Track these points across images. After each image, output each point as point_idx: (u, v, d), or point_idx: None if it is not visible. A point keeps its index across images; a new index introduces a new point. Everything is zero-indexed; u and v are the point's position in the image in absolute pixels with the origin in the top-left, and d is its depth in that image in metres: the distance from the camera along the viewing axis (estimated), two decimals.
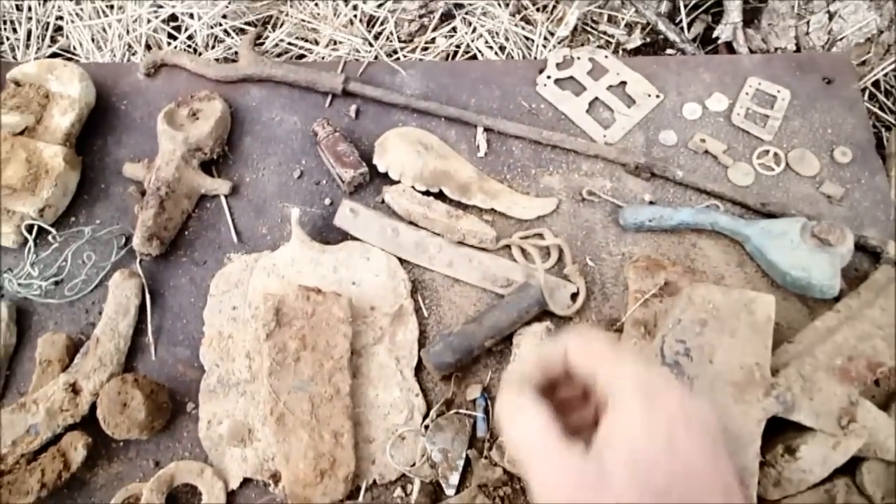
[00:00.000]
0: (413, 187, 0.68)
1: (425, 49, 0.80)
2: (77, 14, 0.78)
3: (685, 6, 0.80)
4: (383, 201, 0.69)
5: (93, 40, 0.78)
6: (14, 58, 0.81)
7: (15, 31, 0.81)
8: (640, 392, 0.34)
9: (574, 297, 0.66)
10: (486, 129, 0.73)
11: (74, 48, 0.79)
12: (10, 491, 0.55)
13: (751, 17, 0.83)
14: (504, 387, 0.38)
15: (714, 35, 0.81)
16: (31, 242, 0.62)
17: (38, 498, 0.56)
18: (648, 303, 0.64)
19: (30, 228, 0.63)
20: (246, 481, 0.60)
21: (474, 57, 0.81)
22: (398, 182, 0.69)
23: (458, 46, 0.80)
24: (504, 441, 0.44)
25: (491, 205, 0.68)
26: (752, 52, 0.81)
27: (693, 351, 0.57)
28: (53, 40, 0.80)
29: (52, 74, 0.69)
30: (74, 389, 0.59)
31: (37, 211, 0.64)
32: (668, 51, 0.83)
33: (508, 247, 0.68)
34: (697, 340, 0.57)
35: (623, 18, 0.83)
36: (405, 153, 0.68)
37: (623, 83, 0.76)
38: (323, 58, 0.79)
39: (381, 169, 0.68)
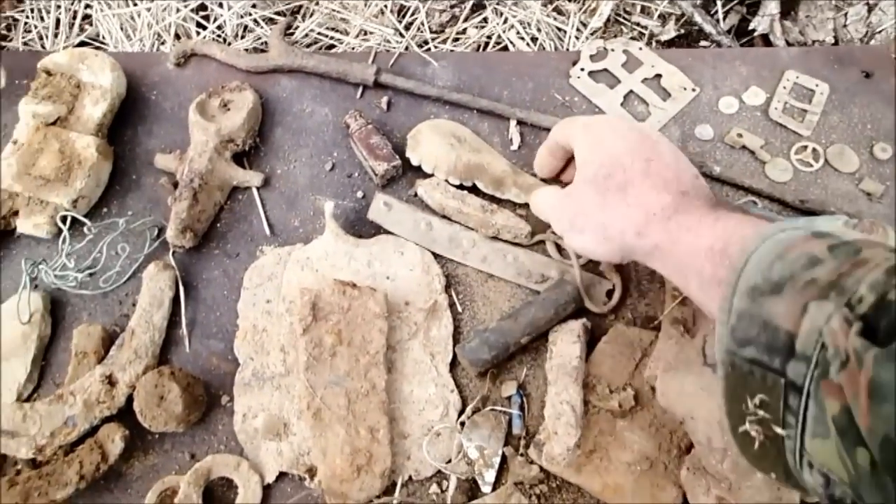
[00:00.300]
0: (446, 181, 0.67)
1: (456, 40, 0.79)
2: (106, 2, 0.77)
3: None
4: (416, 195, 0.69)
5: (121, 29, 0.77)
6: (42, 46, 0.80)
7: (42, 19, 0.80)
8: (582, 125, 0.56)
9: (610, 293, 0.65)
10: (520, 122, 0.72)
11: (103, 37, 0.79)
12: (49, 482, 0.55)
13: (788, 8, 0.81)
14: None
15: (750, 27, 0.80)
16: (66, 234, 0.61)
17: (76, 489, 0.56)
18: (686, 301, 0.63)
19: (63, 219, 0.62)
20: (281, 475, 0.60)
21: (505, 48, 0.80)
22: (431, 175, 0.68)
23: (489, 37, 0.79)
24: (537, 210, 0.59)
25: (525, 199, 0.68)
26: (789, 44, 0.80)
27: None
28: (81, 29, 0.80)
29: (83, 64, 0.68)
30: (111, 381, 0.59)
31: (70, 202, 0.64)
32: (702, 43, 0.82)
33: (543, 242, 0.67)
34: None
35: (656, 9, 0.82)
36: (438, 146, 0.67)
37: (658, 76, 0.75)
38: (353, 48, 0.78)
39: (415, 162, 0.68)
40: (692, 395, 0.56)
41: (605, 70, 0.75)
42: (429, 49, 0.78)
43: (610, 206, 0.51)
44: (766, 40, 0.81)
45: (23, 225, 0.64)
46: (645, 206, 0.50)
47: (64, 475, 0.56)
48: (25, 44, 0.80)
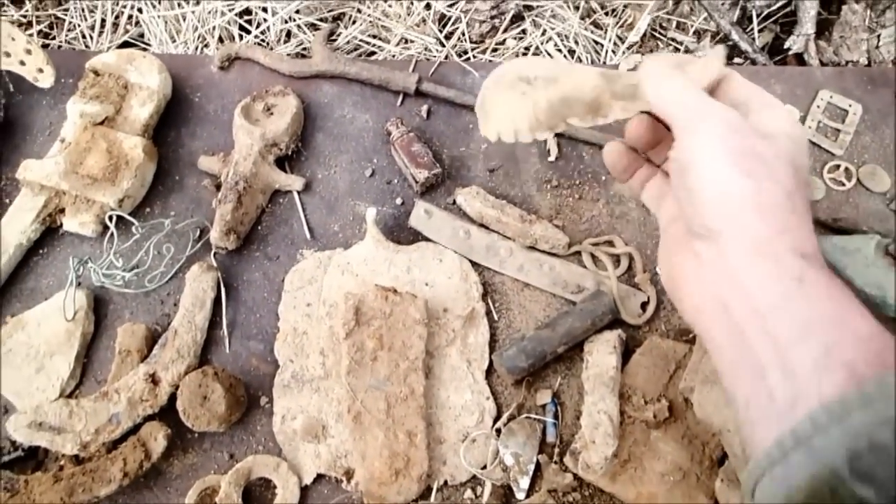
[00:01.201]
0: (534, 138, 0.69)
1: (495, 51, 0.80)
2: (153, 4, 0.79)
3: (757, 16, 0.80)
4: (454, 202, 0.70)
5: (166, 31, 0.78)
6: (85, 45, 0.82)
7: (85, 19, 0.81)
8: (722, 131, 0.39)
9: (644, 305, 0.66)
10: (557, 134, 0.73)
11: (147, 38, 0.80)
12: (93, 478, 0.56)
13: (822, 29, 0.82)
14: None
15: (786, 46, 0.81)
16: (114, 233, 0.62)
17: (119, 486, 0.56)
18: None
19: (111, 218, 0.63)
20: (319, 477, 0.60)
21: None
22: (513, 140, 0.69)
23: (527, 48, 0.80)
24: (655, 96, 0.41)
25: (633, 110, 0.48)
26: (823, 64, 0.80)
27: None
28: (125, 30, 0.81)
29: (131, 65, 0.70)
30: (154, 380, 0.60)
31: (116, 201, 0.65)
32: (736, 60, 0.83)
33: (579, 253, 0.68)
34: None
35: (692, 25, 0.83)
36: (508, 103, 0.50)
37: None
38: (394, 56, 0.79)
39: (493, 138, 0.50)
40: (728, 408, 0.56)
41: None
42: (468, 59, 0.79)
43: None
44: (799, 59, 0.82)
45: (69, 223, 0.65)
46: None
47: (108, 472, 0.57)
48: (68, 43, 0.81)
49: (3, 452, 0.60)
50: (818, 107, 0.75)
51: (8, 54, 0.68)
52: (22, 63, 0.68)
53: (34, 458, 0.60)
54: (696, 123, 0.37)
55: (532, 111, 0.47)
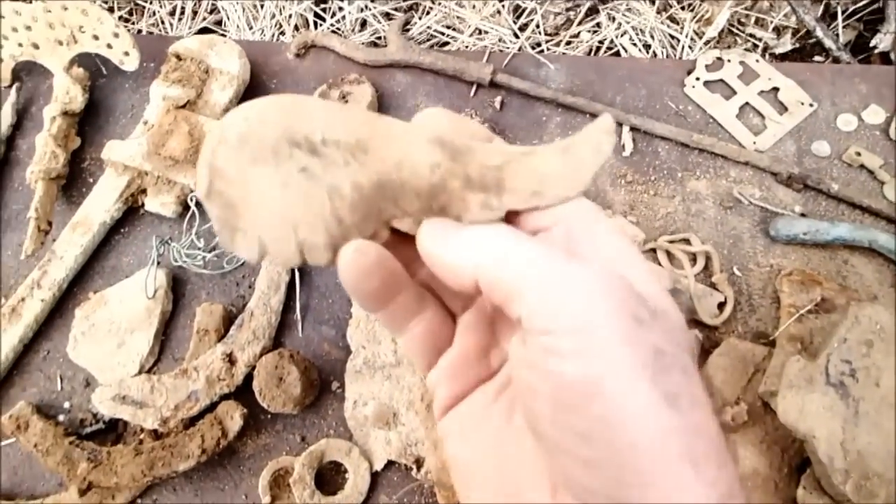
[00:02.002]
0: None
1: (568, 43, 0.79)
2: None
3: (842, 12, 0.78)
4: None
5: (244, 18, 0.80)
6: (165, 32, 0.83)
7: (163, 5, 0.83)
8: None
9: (721, 306, 0.65)
10: (633, 129, 0.72)
11: (225, 25, 0.81)
12: (173, 453, 0.57)
13: None
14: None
15: (871, 44, 0.78)
16: (196, 214, 0.64)
17: (197, 462, 0.57)
18: (803, 318, 0.62)
19: (192, 200, 0.64)
20: (389, 464, 0.61)
21: (617, 54, 0.80)
22: None
23: (601, 42, 0.79)
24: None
25: (496, 209, 0.31)
26: None
27: (859, 372, 0.56)
28: (203, 17, 0.82)
29: (212, 50, 0.71)
30: (231, 360, 0.61)
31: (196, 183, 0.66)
32: (817, 57, 0.81)
33: (654, 250, 0.67)
34: (864, 362, 0.56)
35: (772, 21, 0.81)
36: (275, 191, 0.29)
37: (775, 89, 0.74)
38: (467, 47, 0.79)
39: (251, 257, 0.30)
40: (814, 414, 0.55)
41: (721, 81, 0.74)
42: (542, 51, 0.78)
43: None
44: (884, 58, 0.79)
45: (150, 203, 0.67)
46: None
47: (186, 448, 0.58)
48: (148, 30, 0.83)
49: (85, 424, 0.61)
50: None
51: (96, 37, 0.69)
52: (109, 46, 0.70)
53: (114, 432, 0.62)
54: (589, 316, 0.23)
55: (328, 207, 0.28)
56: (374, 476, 0.60)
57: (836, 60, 0.79)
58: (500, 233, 0.26)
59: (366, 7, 0.78)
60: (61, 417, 0.62)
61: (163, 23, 0.83)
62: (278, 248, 0.28)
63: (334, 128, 0.28)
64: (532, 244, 0.26)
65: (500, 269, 0.25)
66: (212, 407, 0.60)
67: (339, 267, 0.28)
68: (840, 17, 0.79)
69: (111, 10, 0.83)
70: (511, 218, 0.29)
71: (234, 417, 0.59)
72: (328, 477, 0.61)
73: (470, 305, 0.32)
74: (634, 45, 0.78)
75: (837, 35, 0.80)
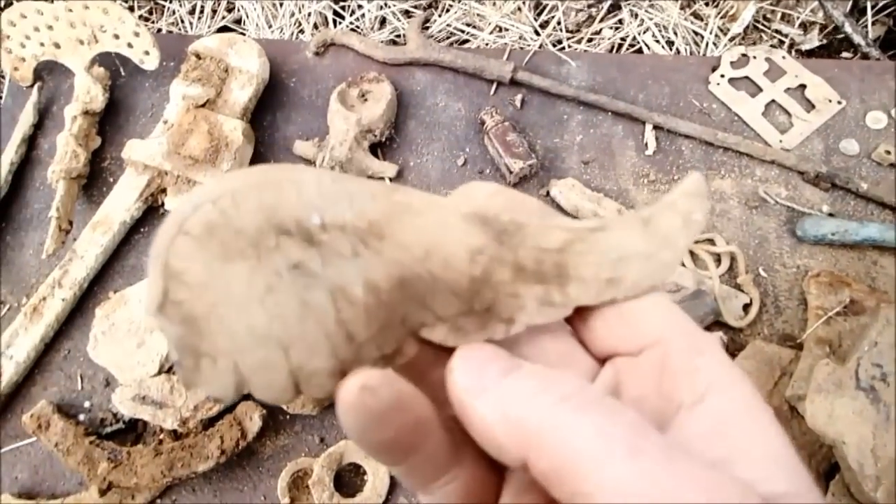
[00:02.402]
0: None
1: (590, 41, 0.78)
2: None
3: (871, 7, 0.76)
4: (548, 194, 0.68)
5: (263, 16, 0.79)
6: (184, 31, 0.83)
7: (183, 4, 0.83)
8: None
9: (746, 308, 0.64)
10: (656, 127, 0.71)
11: (244, 23, 0.81)
12: (192, 454, 0.57)
13: None
14: None
15: None
16: None
17: (216, 463, 0.57)
18: (831, 321, 0.61)
19: None
20: None
21: (639, 51, 0.79)
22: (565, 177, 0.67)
23: (623, 39, 0.78)
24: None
25: (561, 306, 0.24)
26: None
27: (890, 377, 0.54)
28: (223, 16, 0.82)
29: (231, 49, 0.70)
30: None
31: None
32: (845, 54, 0.79)
33: None
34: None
35: (798, 17, 0.79)
36: (253, 302, 0.22)
37: (802, 86, 0.72)
38: (487, 44, 0.78)
39: (224, 394, 0.22)
40: (844, 419, 0.53)
41: (747, 78, 0.73)
42: (563, 48, 0.77)
43: None
44: None
45: (171, 202, 0.67)
46: None
47: (206, 448, 0.58)
48: (168, 30, 0.83)
49: (105, 424, 0.61)
50: None
51: (117, 36, 0.69)
52: (129, 45, 0.70)
53: (134, 431, 0.62)
54: None
55: (332, 316, 0.21)
56: (393, 478, 0.60)
57: (865, 56, 0.77)
58: (566, 389, 0.19)
59: (385, 5, 0.78)
60: (81, 417, 0.62)
61: (182, 22, 0.83)
62: (262, 378, 0.20)
63: (337, 206, 0.20)
64: (621, 419, 0.18)
65: (561, 461, 0.18)
66: (231, 408, 0.60)
67: (338, 408, 0.19)
68: (869, 13, 0.77)
69: (131, 9, 0.83)
70: (579, 319, 0.23)
71: (253, 418, 0.59)
72: (347, 479, 0.60)
73: None
74: (657, 41, 0.77)
75: (867, 31, 0.78)
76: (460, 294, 0.21)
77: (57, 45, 0.71)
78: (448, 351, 0.21)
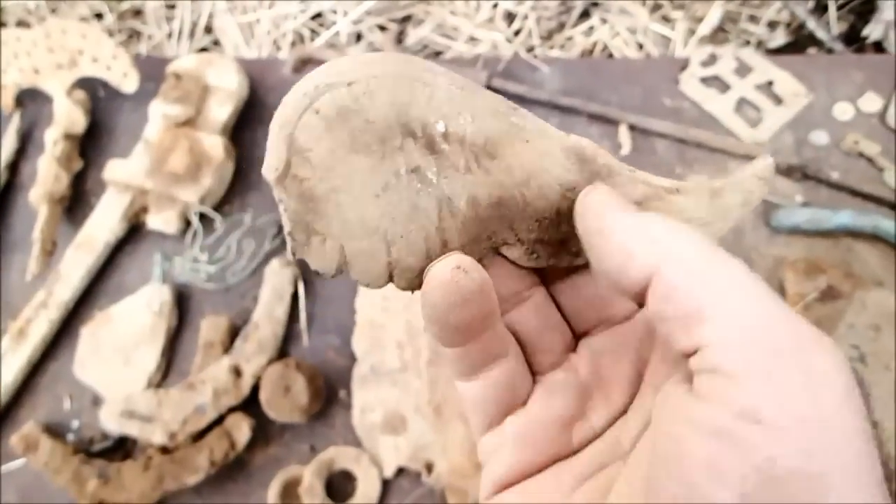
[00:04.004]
0: None
1: (562, 47, 0.80)
2: (227, 10, 0.81)
3: (837, 5, 0.78)
4: None
5: (241, 36, 0.81)
6: (163, 53, 0.84)
7: (160, 28, 0.84)
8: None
9: None
10: (630, 127, 0.72)
11: (222, 44, 0.82)
12: (182, 467, 0.57)
13: None
14: None
15: (863, 34, 0.79)
16: (199, 229, 0.64)
17: (206, 475, 0.57)
18: (809, 306, 0.62)
19: (195, 214, 0.65)
20: (399, 470, 0.60)
21: (611, 55, 0.81)
22: None
23: (594, 44, 0.80)
24: None
25: None
26: None
27: (868, 357, 0.55)
28: (201, 37, 0.83)
29: (209, 68, 0.72)
30: (237, 372, 0.61)
31: (198, 199, 0.67)
32: (810, 50, 0.81)
33: None
34: (873, 346, 0.55)
35: (764, 17, 0.81)
36: (365, 189, 0.25)
37: (770, 82, 0.74)
38: (462, 54, 0.79)
39: (327, 268, 0.25)
40: None
41: (716, 76, 0.75)
42: (536, 55, 0.79)
43: None
44: (877, 47, 0.79)
45: (153, 221, 0.67)
46: None
47: (195, 461, 0.58)
48: (148, 55, 0.84)
49: (94, 442, 0.61)
50: None
51: (96, 59, 0.70)
52: (108, 68, 0.71)
53: (122, 449, 0.61)
54: (817, 389, 0.17)
55: (434, 223, 0.23)
56: (385, 483, 0.60)
57: (830, 51, 0.79)
58: (696, 234, 0.20)
59: (360, 20, 0.79)
60: (70, 436, 0.62)
61: (161, 46, 0.84)
62: (364, 265, 0.23)
63: (462, 117, 0.21)
64: (739, 264, 0.19)
65: (691, 275, 0.19)
66: (220, 419, 0.60)
67: (427, 286, 0.21)
68: (832, 9, 0.79)
69: (110, 34, 0.85)
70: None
71: (242, 429, 0.59)
72: (338, 485, 0.60)
73: (562, 363, 0.25)
74: (628, 45, 0.79)
75: (830, 26, 0.80)
76: (543, 222, 0.23)
77: (36, 71, 0.72)
78: (508, 268, 0.24)
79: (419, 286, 0.22)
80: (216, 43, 0.84)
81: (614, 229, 0.21)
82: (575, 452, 0.25)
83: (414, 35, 0.79)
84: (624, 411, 0.24)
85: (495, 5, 0.79)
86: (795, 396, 0.17)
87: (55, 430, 0.62)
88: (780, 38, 0.80)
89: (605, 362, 0.25)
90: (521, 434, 0.24)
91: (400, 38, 0.79)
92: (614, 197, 0.22)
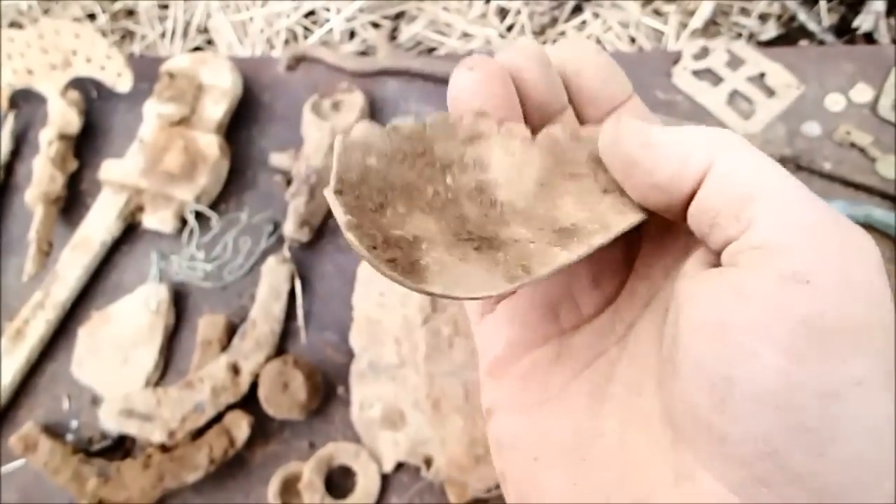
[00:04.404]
0: None
1: (555, 42, 0.80)
2: (221, 9, 0.81)
3: None
4: None
5: (234, 34, 0.81)
6: (157, 53, 0.84)
7: (154, 28, 0.84)
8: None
9: None
10: None
11: (216, 43, 0.82)
12: (181, 465, 0.58)
13: (892, 6, 0.80)
14: None
15: (854, 25, 0.79)
16: (196, 228, 0.64)
17: (206, 472, 0.58)
18: None
19: (192, 213, 0.65)
20: (398, 465, 0.60)
21: (604, 49, 0.81)
22: None
23: (587, 38, 0.80)
24: None
25: None
26: (895, 42, 0.78)
27: None
28: (195, 37, 0.83)
29: (203, 67, 0.72)
30: (235, 369, 0.61)
31: (194, 197, 0.67)
32: (802, 42, 0.81)
33: None
34: None
35: (755, 10, 0.81)
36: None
37: (762, 74, 0.74)
38: (455, 50, 0.80)
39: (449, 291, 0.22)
40: None
41: (708, 69, 0.75)
42: None
43: None
44: (868, 38, 0.80)
45: (149, 220, 0.67)
46: None
47: (195, 459, 0.58)
48: (141, 54, 0.84)
49: (93, 442, 0.61)
50: (892, 84, 0.73)
51: (89, 60, 0.70)
52: (102, 68, 0.71)
53: (122, 448, 0.62)
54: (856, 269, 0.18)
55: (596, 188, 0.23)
56: (384, 478, 0.60)
57: (821, 43, 0.80)
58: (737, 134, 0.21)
59: (353, 17, 0.79)
60: (69, 437, 0.62)
61: (155, 46, 0.84)
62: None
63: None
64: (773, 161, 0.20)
65: (744, 162, 0.19)
66: (218, 417, 0.60)
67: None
68: (822, 1, 0.80)
69: (103, 35, 0.85)
70: None
71: (241, 426, 0.59)
72: (338, 481, 0.61)
73: None
74: (620, 39, 0.79)
75: (821, 18, 0.81)
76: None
77: (30, 72, 0.72)
78: None
79: None
80: (210, 42, 0.84)
81: (663, 140, 0.21)
82: (561, 335, 0.25)
83: (407, 31, 0.79)
84: (613, 299, 0.25)
85: (488, 1, 0.79)
86: (841, 262, 0.18)
87: (54, 431, 0.62)
88: (771, 31, 0.80)
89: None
90: (513, 312, 0.25)
91: (393, 35, 0.79)
92: (643, 115, 0.23)
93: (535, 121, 0.24)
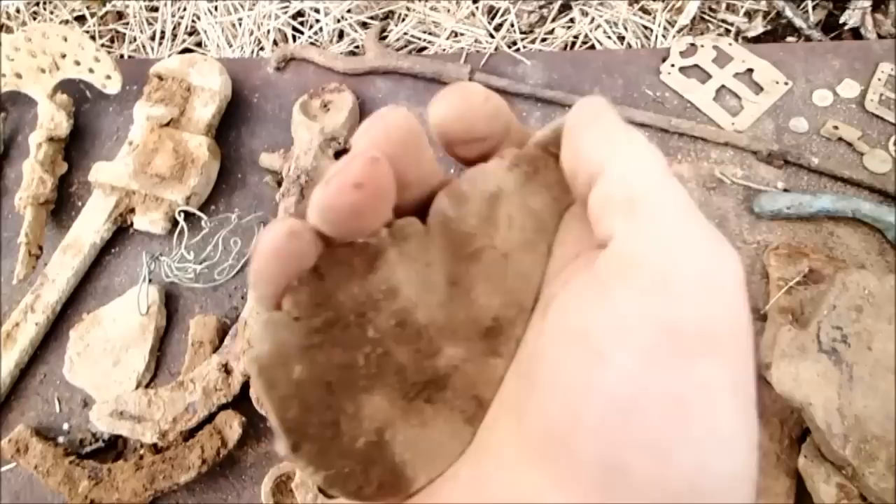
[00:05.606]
0: None
1: (544, 40, 0.80)
2: (209, 11, 0.81)
3: None
4: None
5: (223, 36, 0.81)
6: (144, 55, 0.84)
7: (143, 31, 0.84)
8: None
9: None
10: None
11: (205, 45, 0.82)
12: (173, 466, 0.57)
13: (877, 1, 0.81)
14: None
15: (841, 21, 0.80)
16: (186, 229, 0.64)
17: (198, 473, 0.57)
18: (792, 290, 0.63)
19: (182, 214, 0.65)
20: None
21: (592, 47, 0.81)
22: None
23: (575, 37, 0.80)
24: None
25: None
26: (880, 37, 0.79)
27: (851, 338, 0.56)
28: (182, 39, 0.83)
29: (192, 68, 0.72)
30: (226, 370, 0.61)
31: (184, 199, 0.67)
32: (789, 38, 0.82)
33: None
34: (854, 327, 0.56)
35: (742, 6, 0.82)
36: None
37: (749, 70, 0.75)
38: (444, 50, 0.80)
39: None
40: (809, 382, 0.55)
41: (696, 66, 0.75)
42: (518, 49, 0.80)
43: None
44: (855, 34, 0.80)
45: (139, 222, 0.67)
46: None
47: (187, 459, 0.58)
48: (130, 56, 0.84)
49: (85, 444, 0.61)
50: (879, 80, 0.74)
51: (78, 62, 0.70)
52: (91, 71, 0.71)
53: (114, 449, 0.62)
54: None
55: None
56: None
57: (808, 39, 0.80)
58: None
59: (342, 18, 0.79)
60: (61, 439, 0.62)
61: (144, 48, 0.84)
62: None
63: None
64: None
65: (621, 174, 0.20)
66: (210, 417, 0.60)
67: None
68: None
69: (93, 38, 0.84)
70: None
71: (232, 426, 0.59)
72: None
73: None
74: (609, 37, 0.79)
75: (808, 15, 0.81)
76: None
77: (18, 76, 0.71)
78: None
79: None
80: (199, 44, 0.84)
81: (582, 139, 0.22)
82: None
83: (396, 31, 0.79)
84: None
85: (476, 0, 0.80)
86: (700, 271, 0.18)
87: (46, 433, 0.62)
88: (758, 28, 0.81)
89: None
90: None
91: (382, 35, 0.79)
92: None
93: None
